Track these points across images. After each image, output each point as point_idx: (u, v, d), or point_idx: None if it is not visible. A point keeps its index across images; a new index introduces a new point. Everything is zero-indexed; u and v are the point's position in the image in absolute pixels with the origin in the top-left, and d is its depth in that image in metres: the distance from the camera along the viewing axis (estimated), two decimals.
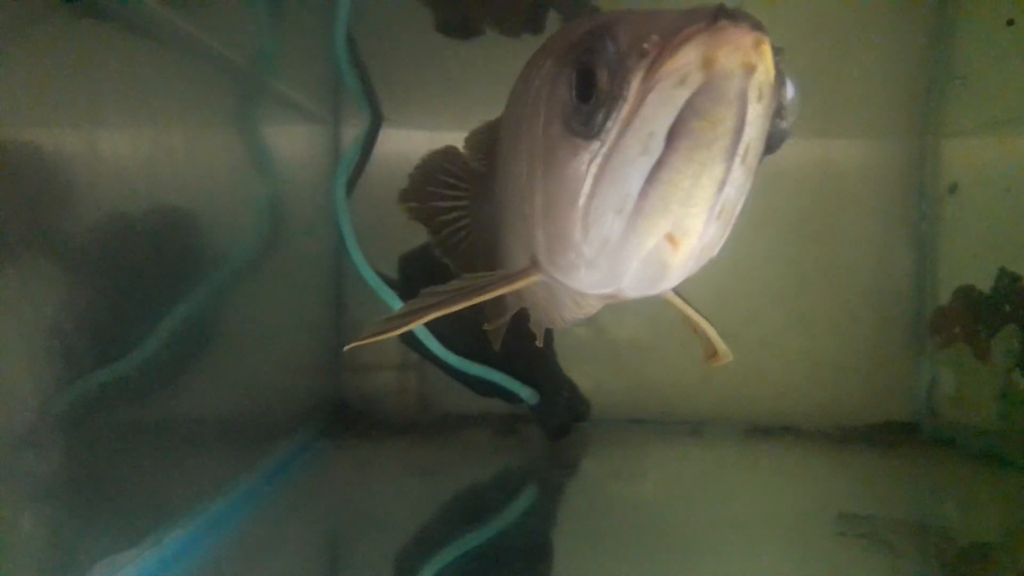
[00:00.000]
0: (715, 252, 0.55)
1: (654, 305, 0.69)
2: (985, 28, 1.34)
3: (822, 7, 1.41)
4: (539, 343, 0.84)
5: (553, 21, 1.34)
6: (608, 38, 0.48)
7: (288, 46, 1.17)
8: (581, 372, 1.35)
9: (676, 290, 0.68)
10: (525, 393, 1.24)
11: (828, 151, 1.44)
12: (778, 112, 0.50)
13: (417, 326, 0.63)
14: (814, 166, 1.42)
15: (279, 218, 1.12)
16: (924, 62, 1.42)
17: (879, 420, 1.42)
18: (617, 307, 0.70)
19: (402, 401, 1.44)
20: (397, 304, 1.16)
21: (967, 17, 1.37)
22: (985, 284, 1.27)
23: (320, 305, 1.39)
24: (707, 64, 0.43)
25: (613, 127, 0.48)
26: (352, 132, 1.37)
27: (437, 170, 0.89)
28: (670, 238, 0.50)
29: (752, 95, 0.45)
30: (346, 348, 0.65)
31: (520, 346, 0.90)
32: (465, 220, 0.87)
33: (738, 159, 0.47)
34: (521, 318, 0.84)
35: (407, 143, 1.43)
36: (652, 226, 0.49)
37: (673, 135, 0.46)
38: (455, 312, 0.63)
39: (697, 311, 0.72)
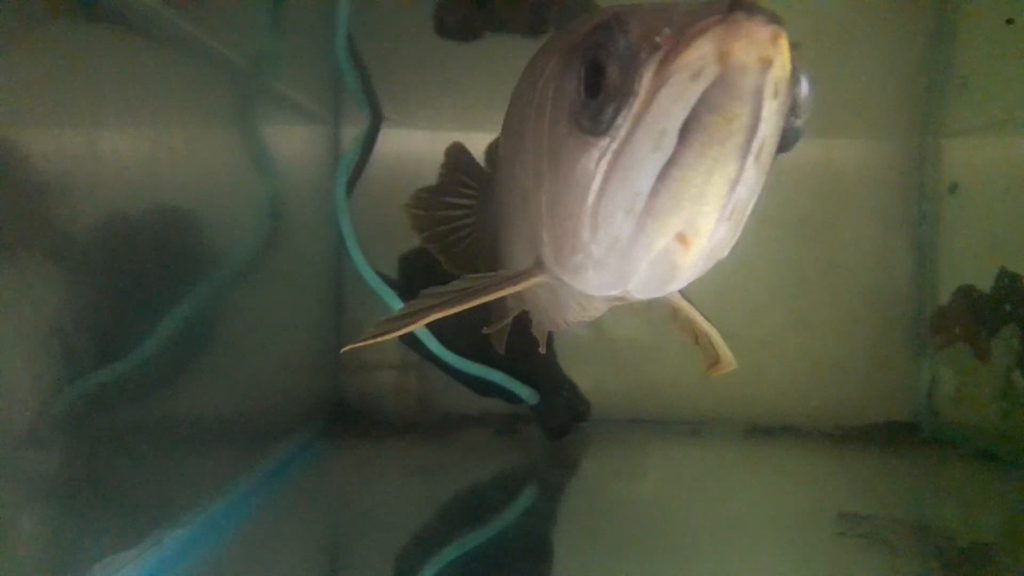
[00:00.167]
0: (725, 253, 0.53)
1: (654, 305, 0.69)
2: (985, 28, 1.34)
3: (822, 7, 1.41)
4: (542, 350, 0.83)
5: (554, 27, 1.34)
6: (618, 32, 0.47)
7: (288, 46, 1.17)
8: (581, 372, 1.35)
9: (683, 293, 0.67)
10: (525, 393, 1.24)
11: (828, 151, 1.44)
12: (792, 109, 0.49)
13: (417, 328, 0.62)
14: (814, 166, 1.42)
15: (279, 218, 1.12)
16: (924, 62, 1.42)
17: (879, 420, 1.42)
18: (617, 307, 0.69)
19: (402, 401, 1.44)
20: (397, 304, 1.16)
21: (967, 17, 1.37)
22: (985, 284, 1.28)
23: (320, 305, 1.39)
24: (722, 58, 0.42)
25: (623, 123, 0.47)
26: (352, 132, 1.37)
27: (452, 180, 0.88)
28: (681, 238, 0.48)
29: (768, 91, 0.43)
30: (344, 350, 0.63)
31: (520, 346, 0.90)
32: (465, 221, 0.86)
33: (751, 157, 0.45)
34: (521, 319, 0.83)
35: (407, 143, 1.43)
36: (663, 225, 0.48)
37: (686, 131, 0.44)
38: (455, 312, 0.61)
39: (703, 315, 0.70)
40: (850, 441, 1.35)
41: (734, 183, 0.46)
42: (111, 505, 0.69)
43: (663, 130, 0.45)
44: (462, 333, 1.17)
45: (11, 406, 0.57)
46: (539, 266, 0.60)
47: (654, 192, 0.46)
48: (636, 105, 0.46)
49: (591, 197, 0.49)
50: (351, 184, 1.26)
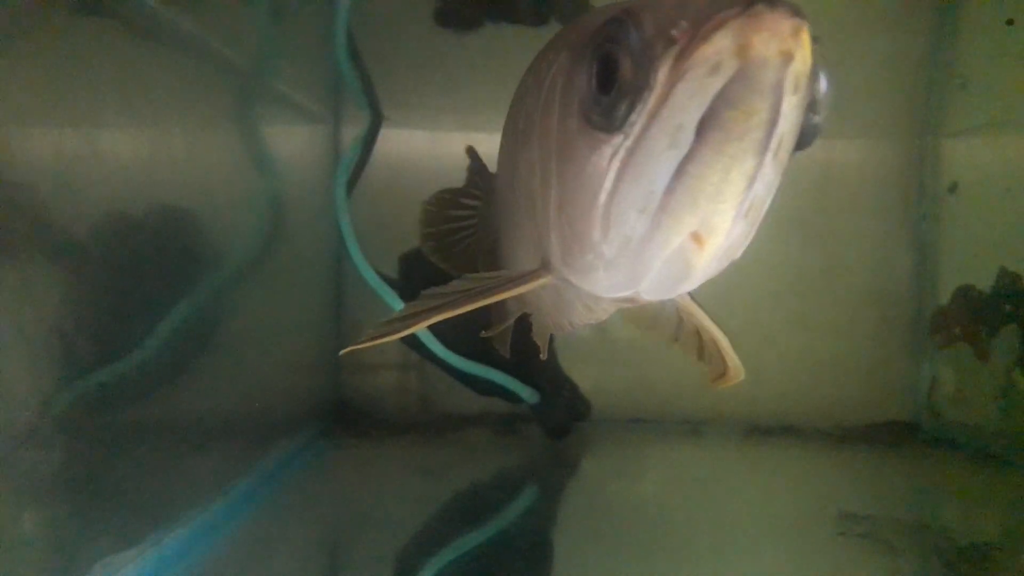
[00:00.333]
0: (740, 252, 0.52)
1: (663, 312, 0.68)
2: (985, 29, 1.34)
3: (822, 7, 1.41)
4: (543, 356, 0.81)
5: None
6: (632, 25, 0.45)
7: (288, 46, 1.17)
8: (581, 372, 1.35)
9: (692, 295, 0.65)
10: (525, 393, 1.24)
11: (829, 151, 1.44)
12: (811, 106, 0.47)
13: (418, 329, 0.61)
14: (814, 166, 1.42)
15: (279, 218, 1.12)
16: (924, 62, 1.42)
17: (879, 420, 1.43)
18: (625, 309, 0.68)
19: (402, 401, 1.44)
20: (397, 304, 1.16)
21: (967, 18, 1.38)
22: (985, 284, 1.28)
23: (320, 305, 1.39)
24: (742, 52, 0.41)
25: (638, 119, 0.45)
26: (352, 132, 1.37)
27: (470, 183, 0.87)
28: (695, 236, 0.47)
29: (788, 86, 0.42)
30: (343, 352, 0.62)
31: (520, 346, 0.90)
32: (470, 222, 0.85)
33: (770, 154, 0.44)
34: (521, 321, 0.82)
35: (407, 143, 1.43)
36: (678, 223, 0.46)
37: (703, 127, 0.43)
38: (457, 314, 0.60)
39: (712, 320, 0.68)
40: (850, 441, 1.35)
41: (751, 180, 0.45)
42: (111, 505, 0.69)
43: (679, 126, 0.43)
44: (462, 333, 1.17)
45: (11, 406, 0.57)
46: (545, 267, 0.59)
47: (669, 190, 0.45)
48: (651, 100, 0.44)
49: (603, 196, 0.48)
50: (351, 184, 1.26)
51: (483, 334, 0.85)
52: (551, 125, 0.53)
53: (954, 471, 1.25)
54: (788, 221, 1.41)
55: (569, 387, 1.31)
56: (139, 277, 0.75)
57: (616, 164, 0.47)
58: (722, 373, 0.71)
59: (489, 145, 0.79)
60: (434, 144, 1.45)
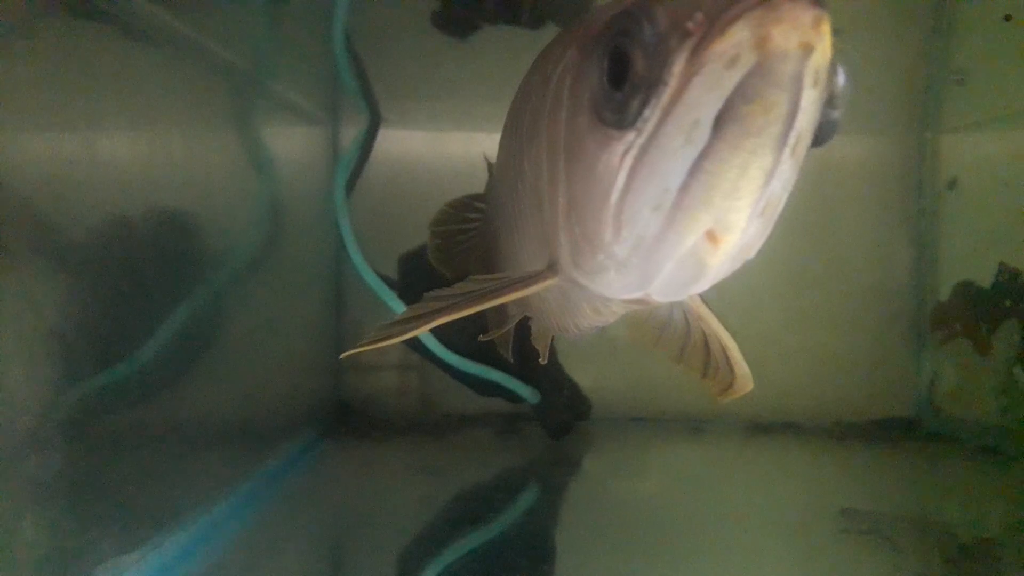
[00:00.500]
0: (754, 252, 0.50)
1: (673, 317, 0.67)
2: (983, 24, 1.34)
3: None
4: (543, 361, 0.81)
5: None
6: (644, 18, 0.44)
7: (286, 47, 1.17)
8: (582, 370, 1.35)
9: (703, 298, 0.64)
10: (526, 392, 1.24)
11: (827, 148, 1.44)
12: (829, 100, 0.45)
13: (421, 332, 0.59)
14: (813, 162, 1.40)
15: (278, 220, 1.12)
16: (923, 58, 1.42)
17: (880, 416, 1.43)
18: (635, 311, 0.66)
19: (403, 401, 1.44)
20: (397, 305, 1.16)
21: (965, 13, 1.38)
22: (985, 279, 1.28)
23: (320, 306, 1.39)
24: (760, 44, 0.39)
25: (652, 115, 0.43)
26: (351, 133, 1.37)
27: (487, 186, 0.85)
28: (710, 235, 0.45)
29: (808, 79, 0.41)
30: (343, 356, 0.61)
31: (520, 345, 0.90)
32: (471, 226, 0.84)
33: (788, 149, 0.43)
34: (521, 323, 0.82)
35: (406, 143, 1.43)
36: (693, 221, 0.45)
37: (719, 121, 0.42)
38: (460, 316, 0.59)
39: (721, 324, 0.66)
40: (851, 437, 1.35)
41: (769, 176, 0.43)
42: (112, 508, 0.69)
43: (695, 121, 0.42)
44: (463, 333, 1.17)
45: (13, 410, 0.57)
46: (552, 268, 0.57)
47: (684, 187, 0.44)
48: (666, 95, 0.43)
49: (615, 194, 0.46)
50: (350, 185, 1.26)
51: (481, 338, 0.84)
52: (559, 124, 0.52)
53: (955, 467, 1.25)
54: (787, 218, 1.41)
55: (570, 386, 1.31)
56: (139, 280, 0.75)
57: (629, 161, 0.45)
58: (728, 385, 0.69)
59: (488, 145, 0.79)
60: (433, 144, 1.45)
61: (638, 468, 1.25)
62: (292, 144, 1.25)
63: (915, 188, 1.45)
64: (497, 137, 0.75)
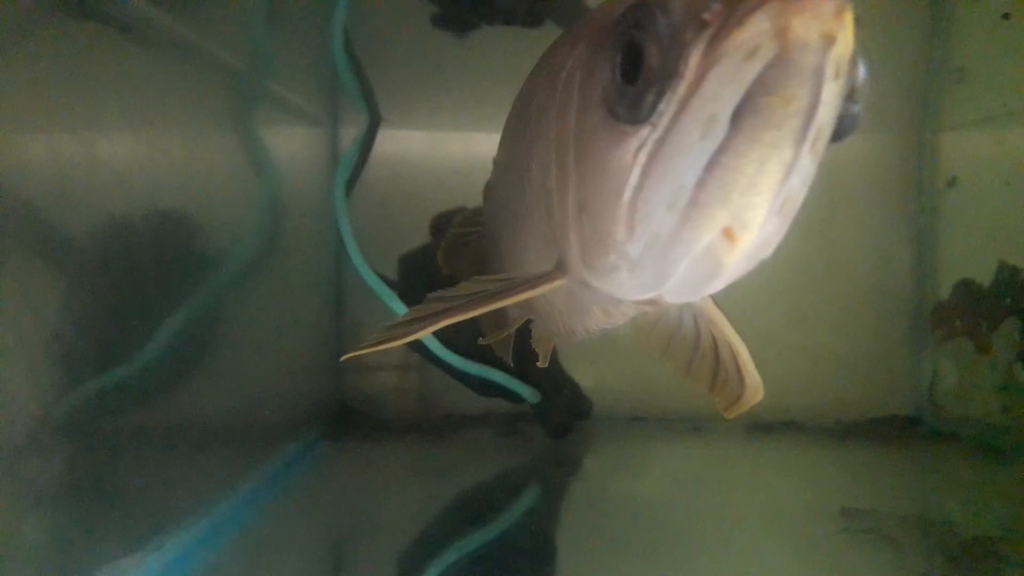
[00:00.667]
0: (771, 251, 0.49)
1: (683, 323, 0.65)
2: (982, 22, 1.34)
3: None
4: (543, 364, 0.80)
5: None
6: (658, 10, 0.42)
7: (285, 48, 1.17)
8: (582, 370, 1.35)
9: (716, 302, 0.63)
10: (527, 392, 1.24)
11: (827, 146, 1.44)
12: (849, 94, 0.43)
13: (424, 335, 0.58)
14: None
15: (278, 221, 1.12)
16: (922, 56, 1.42)
17: (881, 414, 1.43)
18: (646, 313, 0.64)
19: (404, 402, 1.44)
20: (396, 305, 1.16)
21: (964, 11, 1.37)
22: (985, 277, 1.28)
23: (320, 306, 1.39)
24: (781, 34, 0.38)
25: (667, 109, 0.42)
26: (350, 133, 1.37)
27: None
28: (727, 232, 0.44)
29: (829, 71, 0.39)
30: (344, 358, 0.60)
31: (521, 346, 0.89)
32: (478, 228, 0.83)
33: (807, 144, 0.41)
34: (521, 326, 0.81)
35: (405, 144, 1.43)
36: (709, 219, 0.43)
37: (737, 115, 0.40)
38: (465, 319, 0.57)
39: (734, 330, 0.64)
40: (852, 436, 1.35)
41: (788, 172, 0.42)
42: (113, 510, 0.69)
43: (713, 116, 0.41)
44: (463, 333, 1.17)
45: (13, 412, 0.57)
46: (561, 268, 0.56)
47: (700, 183, 0.42)
48: (682, 89, 0.41)
49: (628, 192, 0.45)
50: (350, 185, 1.26)
51: (481, 341, 0.83)
52: (569, 121, 0.51)
53: (956, 465, 1.25)
54: None
55: (570, 386, 1.31)
56: (138, 282, 0.75)
57: (643, 158, 0.44)
58: (736, 398, 0.67)
59: (488, 145, 0.79)
60: (433, 144, 1.45)
61: (639, 468, 1.25)
62: (292, 145, 1.25)
63: (915, 186, 1.45)
64: (497, 137, 0.75)
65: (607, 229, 0.48)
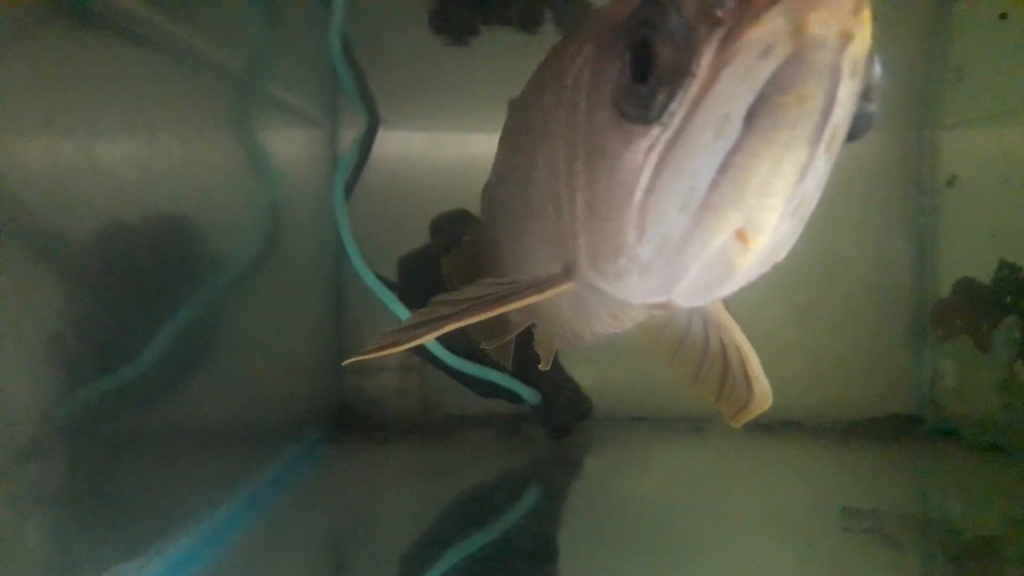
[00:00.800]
0: (783, 254, 0.48)
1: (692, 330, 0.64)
2: (980, 21, 1.34)
3: None
4: (546, 366, 0.79)
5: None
6: (670, 7, 0.41)
7: (284, 50, 1.17)
8: (583, 370, 1.35)
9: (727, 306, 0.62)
10: (527, 393, 1.24)
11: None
12: (865, 92, 0.42)
13: (429, 340, 0.56)
14: None
15: (278, 223, 1.12)
16: (921, 55, 1.42)
17: (882, 413, 1.42)
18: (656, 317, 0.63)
19: (404, 403, 1.44)
20: (397, 307, 1.16)
21: (963, 10, 1.37)
22: (985, 276, 1.28)
23: (320, 308, 1.39)
24: (797, 32, 0.37)
25: (678, 109, 0.41)
26: (349, 135, 1.37)
27: None
28: (740, 235, 0.43)
29: (846, 69, 0.38)
30: (346, 362, 0.59)
31: (522, 346, 0.89)
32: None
33: (823, 144, 0.40)
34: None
35: (405, 145, 1.43)
36: (722, 221, 0.42)
37: (751, 114, 0.39)
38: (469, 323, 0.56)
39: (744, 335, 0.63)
40: (853, 435, 1.35)
41: (803, 173, 0.41)
42: (115, 515, 0.69)
43: (726, 115, 0.40)
44: (464, 334, 1.17)
45: (14, 415, 0.57)
46: (569, 272, 0.54)
47: (713, 184, 0.41)
48: (694, 88, 0.40)
49: (639, 193, 0.44)
50: (349, 187, 1.26)
51: (483, 346, 0.82)
52: (577, 121, 0.50)
53: (957, 463, 1.26)
54: None
55: (571, 387, 1.31)
56: (138, 285, 0.75)
57: (654, 158, 0.43)
58: (744, 405, 0.66)
59: (488, 146, 0.79)
60: (432, 146, 1.45)
61: (639, 468, 1.25)
62: (291, 146, 1.25)
63: (914, 185, 1.45)
64: (496, 138, 0.75)
65: (617, 231, 0.47)
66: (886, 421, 1.41)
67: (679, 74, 0.41)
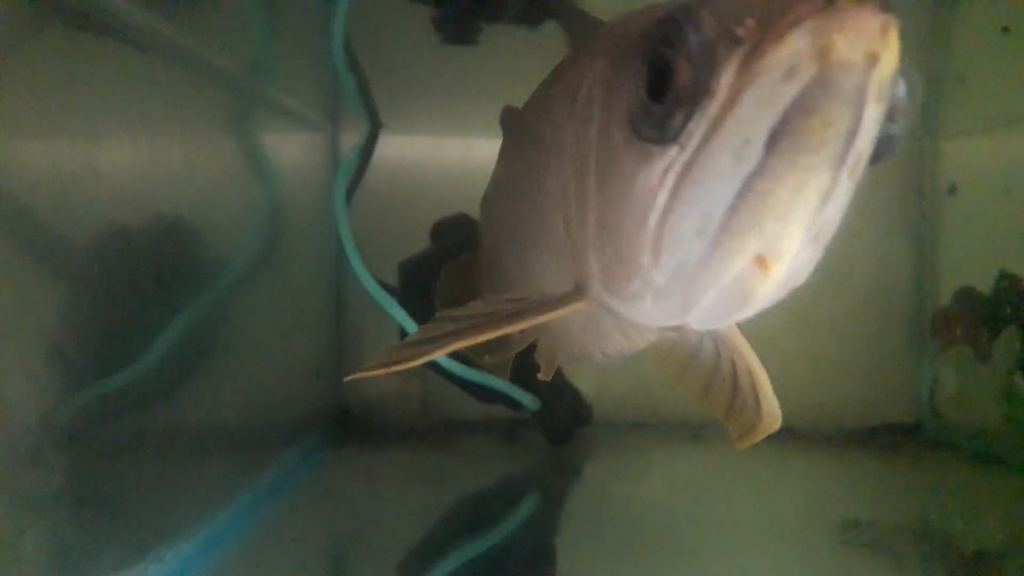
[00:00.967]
0: (802, 280, 0.46)
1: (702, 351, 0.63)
2: (982, 30, 1.34)
3: None
4: (547, 377, 0.78)
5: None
6: (689, 24, 0.40)
7: (285, 54, 1.17)
8: (583, 376, 1.34)
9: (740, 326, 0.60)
10: (527, 399, 1.24)
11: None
12: (890, 114, 0.40)
13: (436, 357, 0.55)
14: None
15: (278, 227, 1.12)
16: (922, 63, 1.42)
17: (881, 422, 1.42)
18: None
19: (404, 408, 1.43)
20: (397, 311, 1.16)
21: (963, 19, 1.38)
22: (985, 285, 1.28)
23: (320, 313, 1.38)
24: (822, 54, 0.35)
25: (696, 130, 0.40)
26: (350, 139, 1.37)
27: None
28: (759, 261, 0.41)
29: (872, 92, 0.36)
30: (347, 379, 0.57)
31: (522, 352, 0.89)
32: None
33: (846, 169, 0.39)
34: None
35: (406, 149, 1.43)
36: (740, 246, 0.41)
37: (773, 137, 0.38)
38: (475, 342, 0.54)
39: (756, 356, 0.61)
40: (852, 443, 1.35)
41: (825, 198, 0.39)
42: (114, 520, 0.69)
43: (746, 139, 0.38)
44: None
45: (13, 419, 0.57)
46: (581, 291, 0.53)
47: (731, 208, 0.40)
48: (713, 108, 0.39)
49: (654, 216, 0.42)
50: (350, 191, 1.26)
51: (484, 361, 0.82)
52: (590, 139, 0.48)
53: (956, 473, 1.26)
54: None
55: (571, 393, 1.31)
56: (138, 288, 0.75)
57: (670, 180, 0.41)
58: (751, 427, 0.64)
59: (489, 151, 0.79)
60: (433, 150, 1.45)
61: (639, 474, 1.25)
62: (292, 150, 1.25)
63: (915, 193, 1.45)
64: (497, 143, 0.74)
65: (631, 254, 0.45)
66: (885, 429, 1.41)
67: (698, 94, 0.39)
